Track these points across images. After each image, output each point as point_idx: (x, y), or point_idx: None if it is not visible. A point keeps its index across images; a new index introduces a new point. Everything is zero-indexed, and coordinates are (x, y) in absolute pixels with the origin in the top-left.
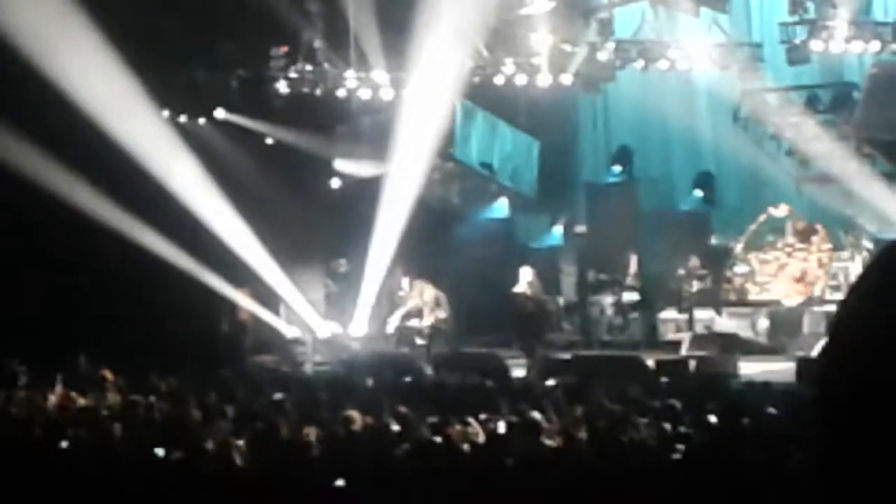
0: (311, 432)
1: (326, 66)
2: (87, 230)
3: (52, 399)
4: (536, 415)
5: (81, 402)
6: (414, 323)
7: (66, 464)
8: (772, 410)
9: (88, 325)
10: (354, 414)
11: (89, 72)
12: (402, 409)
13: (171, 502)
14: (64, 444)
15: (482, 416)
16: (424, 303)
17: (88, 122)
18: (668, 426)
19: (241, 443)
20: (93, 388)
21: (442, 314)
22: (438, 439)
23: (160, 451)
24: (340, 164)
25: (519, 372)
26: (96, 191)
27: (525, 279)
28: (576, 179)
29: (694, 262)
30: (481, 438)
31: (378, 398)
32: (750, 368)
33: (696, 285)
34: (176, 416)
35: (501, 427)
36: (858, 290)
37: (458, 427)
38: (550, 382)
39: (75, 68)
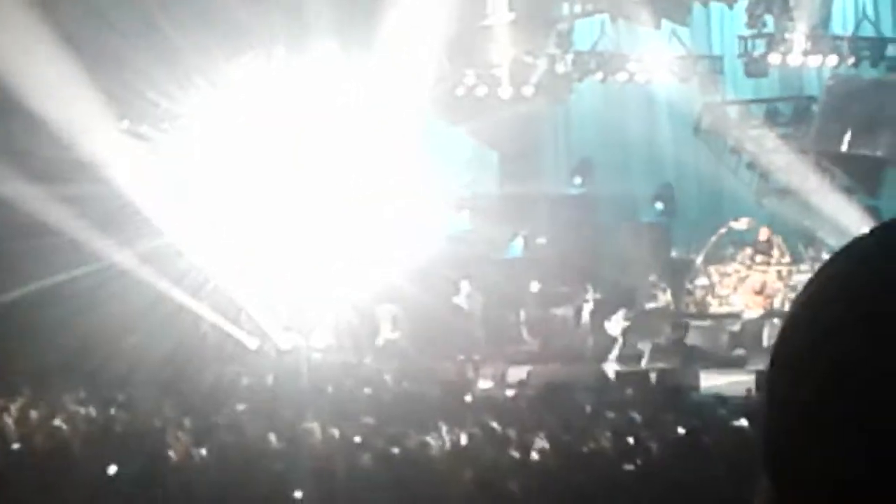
0: (273, 443)
1: None
2: (45, 240)
3: (13, 411)
4: (498, 427)
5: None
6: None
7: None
8: (737, 423)
9: (45, 337)
10: (313, 425)
11: (49, 82)
12: (363, 420)
13: None
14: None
15: (443, 428)
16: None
17: (47, 131)
18: (628, 438)
19: (202, 453)
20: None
21: (397, 333)
22: (399, 450)
23: (112, 469)
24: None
25: (482, 384)
26: (54, 199)
27: (464, 291)
28: (536, 191)
29: (652, 277)
30: (442, 450)
31: (339, 409)
32: (710, 381)
33: (653, 302)
34: (136, 427)
35: (463, 439)
36: (802, 299)
37: (418, 438)
38: (511, 394)
39: (38, 81)
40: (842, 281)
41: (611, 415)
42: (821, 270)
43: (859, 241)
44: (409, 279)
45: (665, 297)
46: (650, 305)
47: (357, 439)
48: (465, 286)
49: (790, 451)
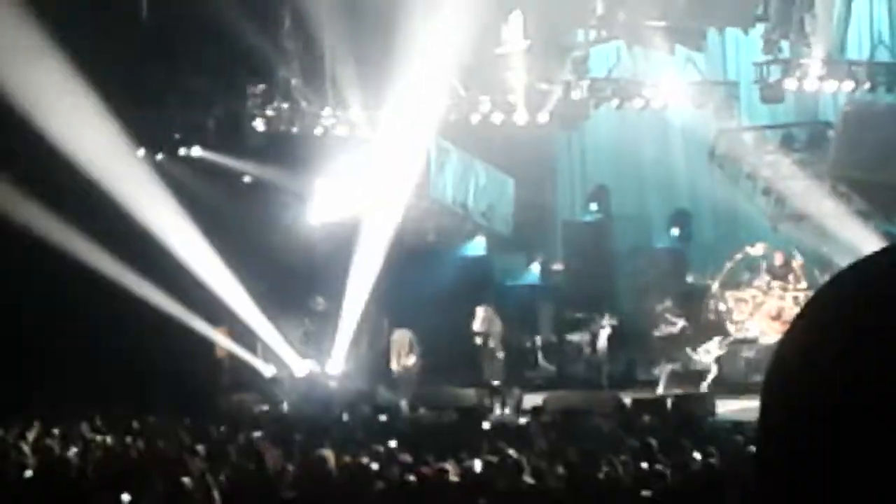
0: (288, 471)
1: (303, 104)
2: (64, 269)
3: (29, 438)
4: (513, 453)
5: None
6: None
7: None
8: (753, 450)
9: (62, 364)
10: (328, 453)
11: (66, 111)
12: (378, 447)
13: None
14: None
15: (458, 455)
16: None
17: (65, 161)
18: (644, 464)
19: (218, 480)
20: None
21: (412, 359)
22: (413, 478)
23: (126, 498)
24: (317, 202)
25: (496, 410)
26: (72, 229)
27: (479, 317)
28: (552, 217)
29: (668, 303)
30: (456, 478)
31: (354, 437)
32: (727, 407)
33: (669, 328)
34: (150, 454)
35: (477, 466)
36: (797, 324)
37: (433, 466)
38: (525, 421)
39: (52, 108)
40: (836, 307)
41: (626, 441)
42: (814, 297)
43: (852, 269)
44: (425, 305)
45: (681, 323)
46: (666, 331)
47: (373, 466)
48: (480, 312)
49: (783, 483)
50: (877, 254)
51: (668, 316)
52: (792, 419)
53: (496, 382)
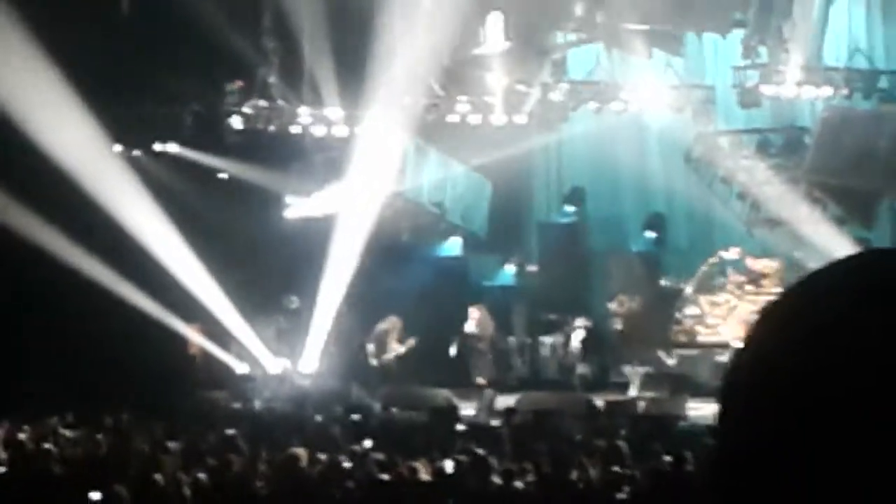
0: (260, 468)
1: (280, 102)
2: (38, 264)
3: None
4: (484, 454)
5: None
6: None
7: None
8: None
9: (34, 360)
10: (300, 451)
11: (42, 105)
12: (351, 446)
13: None
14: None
15: (430, 455)
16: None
17: (41, 156)
18: (615, 467)
19: (189, 478)
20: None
21: (404, 347)
22: (386, 477)
23: (96, 496)
24: (293, 201)
25: (468, 411)
26: (45, 223)
27: (474, 318)
28: (528, 219)
29: (634, 304)
30: (427, 477)
31: (327, 435)
32: (698, 410)
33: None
34: (122, 451)
35: (448, 466)
36: (757, 326)
37: (404, 465)
38: (497, 422)
39: (29, 103)
40: (794, 310)
41: (597, 443)
42: (775, 301)
43: (816, 274)
44: (399, 305)
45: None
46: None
47: (345, 465)
48: (474, 312)
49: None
50: (844, 259)
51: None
52: (744, 421)
53: (483, 381)
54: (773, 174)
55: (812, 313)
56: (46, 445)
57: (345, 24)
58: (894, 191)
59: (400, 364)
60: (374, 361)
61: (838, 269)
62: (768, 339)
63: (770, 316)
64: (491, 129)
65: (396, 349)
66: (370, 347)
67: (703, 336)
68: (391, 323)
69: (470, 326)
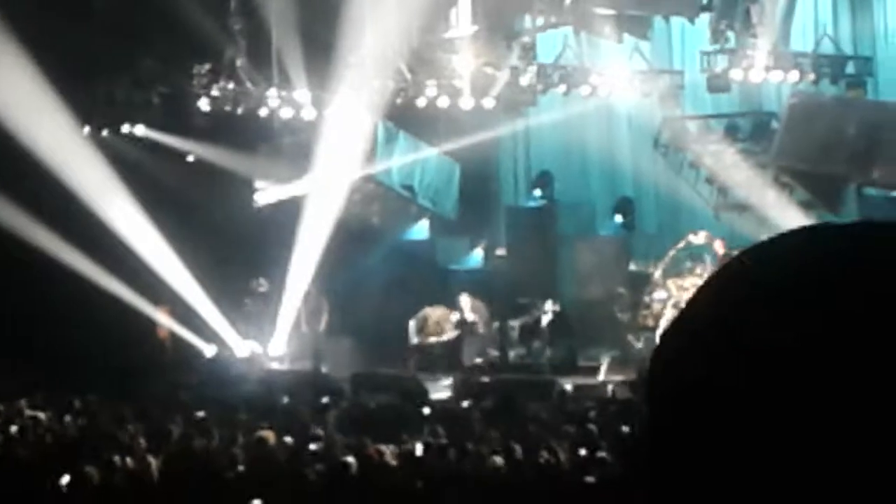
0: (228, 451)
1: (249, 84)
2: (3, 245)
3: None
4: (454, 437)
5: None
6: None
7: None
8: None
9: (2, 341)
10: (268, 433)
11: (9, 86)
12: (319, 429)
13: None
14: None
15: (399, 438)
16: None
17: (7, 136)
18: (583, 451)
19: (158, 461)
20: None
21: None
22: (353, 460)
23: (65, 479)
24: (261, 183)
25: (438, 394)
26: (11, 204)
27: (466, 305)
28: (496, 203)
29: (621, 289)
30: (396, 459)
31: (295, 418)
32: None
33: (624, 314)
34: (91, 433)
35: (418, 449)
36: (690, 300)
37: (373, 448)
38: (466, 405)
39: None
40: (717, 288)
41: (566, 427)
42: (707, 279)
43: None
44: (368, 287)
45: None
46: (621, 317)
47: (312, 447)
48: (466, 300)
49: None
50: (776, 238)
51: (622, 301)
52: (665, 398)
53: (479, 360)
54: (741, 159)
55: (735, 296)
56: (14, 427)
57: (313, 6)
58: (860, 176)
59: (441, 349)
60: (414, 339)
61: (774, 247)
62: (693, 316)
63: (698, 296)
64: (460, 112)
65: (443, 336)
66: (411, 324)
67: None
68: (470, 305)
69: (468, 315)
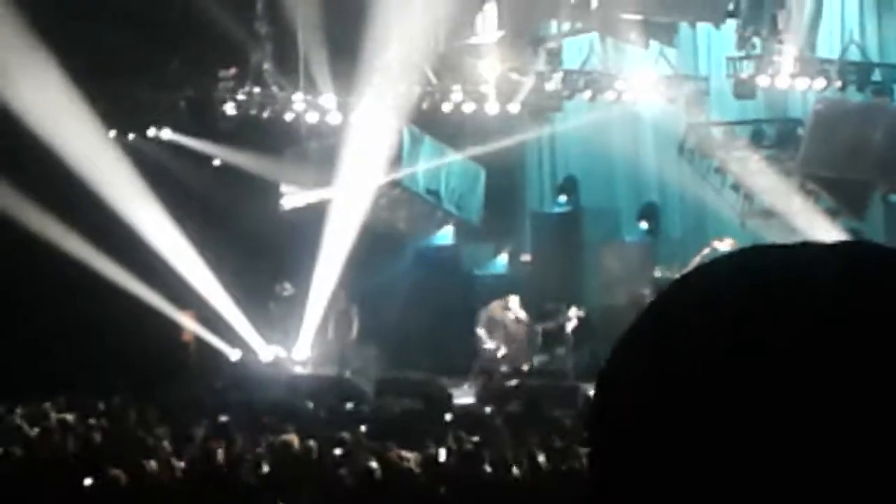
0: (252, 455)
1: (275, 88)
2: (31, 249)
3: None
4: (477, 443)
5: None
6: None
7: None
8: None
9: (27, 345)
10: (292, 437)
11: (36, 89)
12: (343, 434)
13: None
14: None
15: (422, 443)
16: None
17: (34, 139)
18: None
19: (181, 464)
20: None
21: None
22: (376, 465)
23: (88, 480)
24: (287, 188)
25: (462, 399)
26: (39, 208)
27: (516, 306)
28: (521, 208)
29: (646, 291)
30: (420, 465)
31: (319, 423)
32: None
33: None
34: (116, 436)
35: (442, 454)
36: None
37: (396, 453)
38: (490, 410)
39: (23, 88)
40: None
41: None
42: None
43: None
44: (393, 292)
45: None
46: None
47: (336, 452)
48: (514, 300)
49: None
50: (724, 257)
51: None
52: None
53: (526, 367)
54: (767, 165)
55: (673, 313)
56: (37, 430)
57: (339, 11)
58: (886, 182)
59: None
60: (488, 344)
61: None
62: (634, 333)
63: (644, 314)
64: (485, 117)
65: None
66: (481, 332)
67: None
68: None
69: (520, 313)
